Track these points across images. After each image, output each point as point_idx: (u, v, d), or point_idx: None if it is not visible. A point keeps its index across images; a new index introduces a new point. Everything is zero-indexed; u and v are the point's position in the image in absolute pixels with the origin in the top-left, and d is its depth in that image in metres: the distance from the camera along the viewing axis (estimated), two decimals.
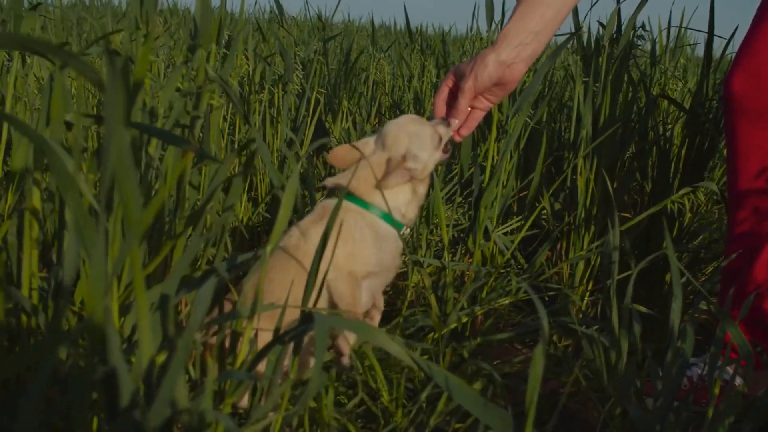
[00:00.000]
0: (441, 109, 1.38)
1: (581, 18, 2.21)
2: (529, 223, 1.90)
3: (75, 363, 0.55)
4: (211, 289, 0.65)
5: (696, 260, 2.25)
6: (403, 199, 1.43)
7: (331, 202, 1.42)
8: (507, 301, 1.79)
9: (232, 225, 2.31)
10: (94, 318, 0.53)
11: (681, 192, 1.78)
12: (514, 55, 1.26)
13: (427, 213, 1.99)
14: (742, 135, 1.53)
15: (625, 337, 1.19)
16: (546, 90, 2.86)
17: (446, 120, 1.43)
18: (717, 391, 1.03)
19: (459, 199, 2.37)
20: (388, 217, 1.40)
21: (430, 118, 1.42)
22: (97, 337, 0.53)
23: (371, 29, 5.12)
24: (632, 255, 1.52)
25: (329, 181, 1.42)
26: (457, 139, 1.39)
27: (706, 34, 2.10)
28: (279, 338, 0.84)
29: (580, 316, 2.04)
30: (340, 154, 1.44)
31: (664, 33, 3.39)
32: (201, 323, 0.64)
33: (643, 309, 1.61)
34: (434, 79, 3.48)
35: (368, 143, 1.45)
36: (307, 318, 0.86)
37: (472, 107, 1.37)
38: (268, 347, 0.83)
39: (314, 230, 1.33)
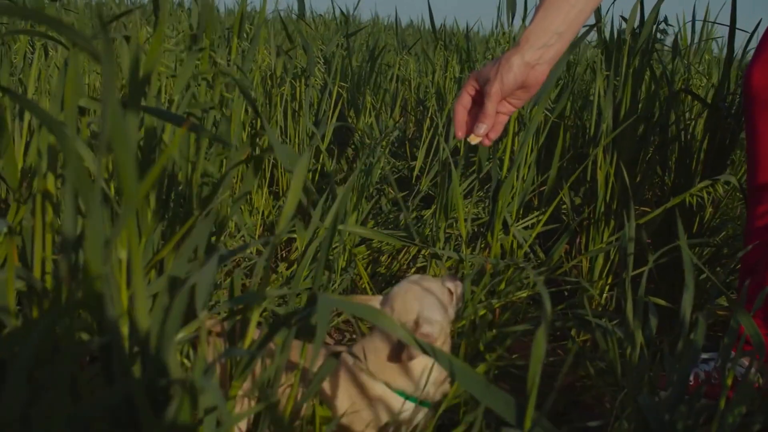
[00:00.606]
0: (461, 114, 1.33)
1: (603, 12, 2.19)
2: (546, 216, 1.89)
3: (75, 335, 0.56)
4: (215, 266, 0.66)
5: (717, 255, 2.23)
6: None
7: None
8: (525, 294, 1.78)
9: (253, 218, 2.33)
10: (92, 285, 0.53)
11: (700, 185, 1.76)
12: (537, 56, 1.22)
13: (445, 206, 1.99)
14: (762, 128, 1.51)
15: (639, 328, 1.18)
16: (568, 83, 2.84)
17: (453, 275, 1.35)
18: (730, 382, 1.02)
19: (480, 193, 2.36)
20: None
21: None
22: (95, 306, 0.54)
23: (396, 27, 5.11)
24: (651, 249, 1.51)
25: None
26: (486, 143, 1.34)
27: (728, 27, 2.08)
28: (285, 320, 0.85)
29: (600, 310, 2.03)
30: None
31: (688, 27, 3.36)
32: (206, 300, 0.64)
33: (662, 302, 1.60)
34: (457, 75, 3.47)
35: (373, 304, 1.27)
36: (313, 300, 0.86)
37: (497, 112, 1.33)
38: (274, 329, 0.84)
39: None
